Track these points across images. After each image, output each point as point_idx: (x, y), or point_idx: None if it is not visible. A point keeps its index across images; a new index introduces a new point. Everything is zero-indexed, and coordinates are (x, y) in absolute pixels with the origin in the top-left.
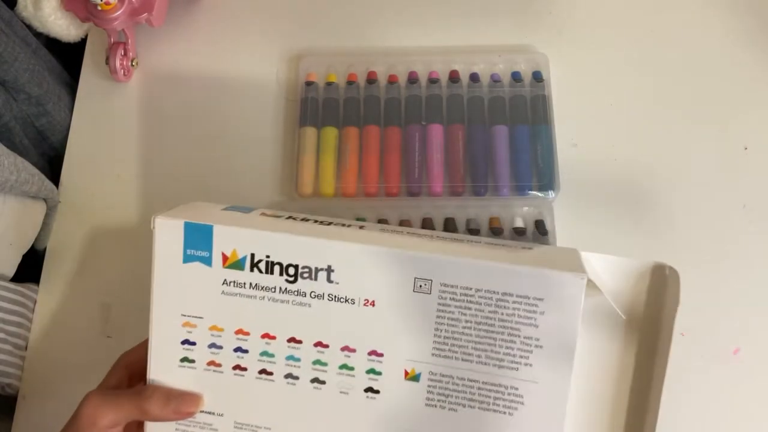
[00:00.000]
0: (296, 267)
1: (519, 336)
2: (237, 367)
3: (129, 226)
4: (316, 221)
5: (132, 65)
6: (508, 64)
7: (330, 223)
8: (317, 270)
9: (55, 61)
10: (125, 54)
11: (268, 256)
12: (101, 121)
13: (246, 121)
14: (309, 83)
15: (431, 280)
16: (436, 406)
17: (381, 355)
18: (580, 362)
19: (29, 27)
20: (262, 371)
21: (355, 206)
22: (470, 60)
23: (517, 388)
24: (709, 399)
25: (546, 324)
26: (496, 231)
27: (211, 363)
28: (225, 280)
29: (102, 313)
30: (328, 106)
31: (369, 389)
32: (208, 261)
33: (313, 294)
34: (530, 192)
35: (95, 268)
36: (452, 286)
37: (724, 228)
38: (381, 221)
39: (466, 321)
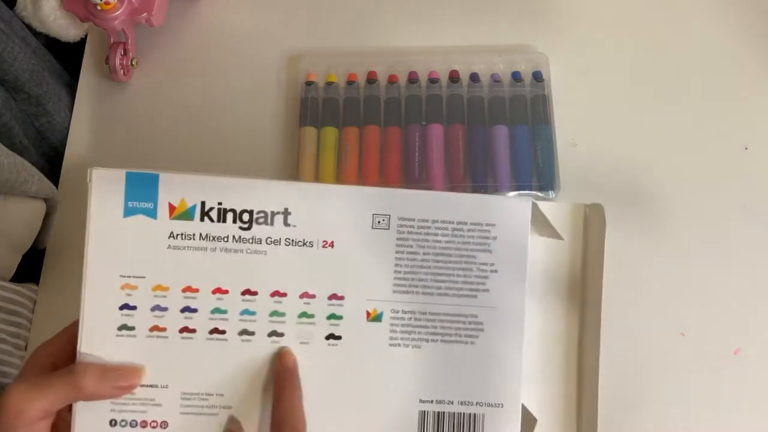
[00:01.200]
0: (251, 212)
1: (475, 263)
2: (184, 329)
3: None
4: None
5: (132, 65)
6: (508, 64)
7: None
8: (273, 214)
9: (55, 61)
10: (125, 54)
11: (220, 203)
12: (101, 121)
13: (246, 121)
14: (309, 83)
15: (389, 215)
16: (399, 344)
17: (342, 298)
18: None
19: (29, 27)
20: (214, 330)
21: None
22: (470, 60)
23: (476, 316)
24: (709, 399)
25: (499, 248)
26: None
27: (155, 328)
28: (172, 232)
29: None
30: (328, 106)
31: (330, 336)
32: (152, 213)
33: (269, 240)
34: (530, 192)
35: None
36: (410, 219)
37: (724, 228)
38: None
39: (425, 253)
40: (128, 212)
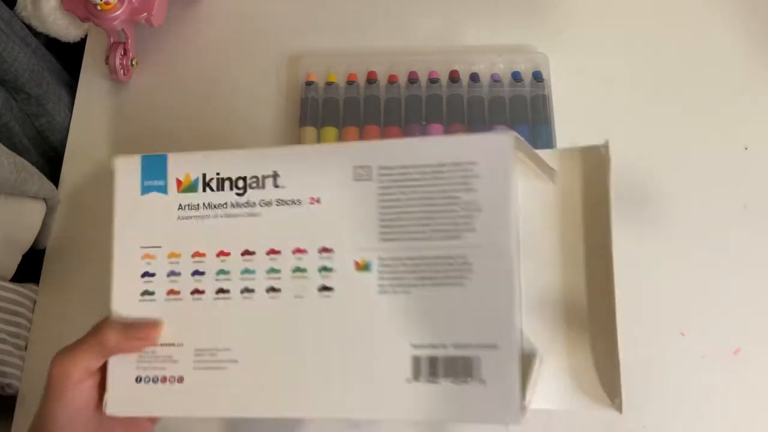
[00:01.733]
0: (244, 179)
1: (458, 203)
2: (195, 291)
3: None
4: None
5: (132, 65)
6: (508, 64)
7: None
8: (264, 177)
9: (55, 61)
10: (125, 54)
11: (218, 174)
12: (101, 121)
13: (246, 120)
14: (309, 83)
15: (370, 166)
16: (389, 291)
17: (331, 250)
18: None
19: (29, 27)
20: (219, 291)
21: None
22: (470, 60)
23: (464, 256)
24: (709, 399)
25: (482, 186)
26: None
27: (171, 292)
28: (180, 204)
29: (102, 313)
30: (328, 106)
31: (323, 288)
32: (163, 189)
33: (262, 202)
34: None
35: (95, 268)
36: (390, 168)
37: (724, 228)
38: None
39: (407, 199)
40: (144, 190)
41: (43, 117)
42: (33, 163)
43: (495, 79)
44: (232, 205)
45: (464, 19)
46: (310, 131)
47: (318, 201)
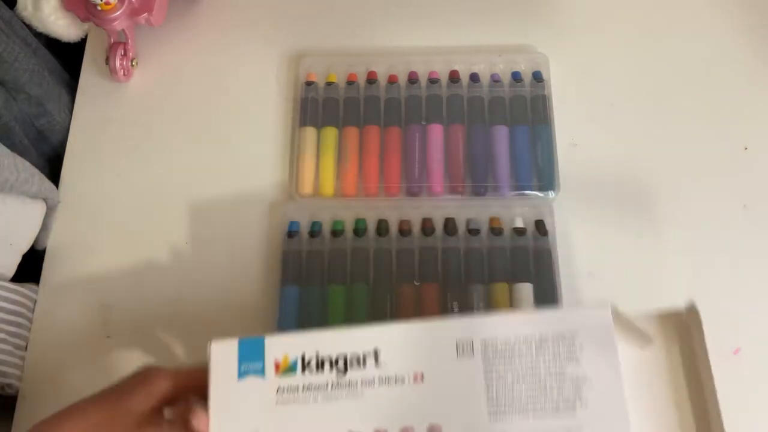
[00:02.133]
0: (345, 358)
1: (566, 376)
2: None
3: (129, 226)
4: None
5: (132, 65)
6: (508, 64)
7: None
8: (365, 356)
9: (55, 61)
10: (125, 54)
11: (317, 353)
12: (101, 121)
13: (246, 121)
14: (309, 83)
15: (472, 341)
16: None
17: (440, 429)
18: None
19: (29, 27)
20: None
21: (354, 206)
22: (470, 60)
23: (579, 429)
24: None
25: (587, 358)
26: (496, 231)
27: None
28: (279, 388)
29: (102, 313)
30: (328, 106)
31: None
32: (261, 372)
33: (363, 382)
34: (530, 192)
35: (95, 268)
36: (492, 342)
37: (724, 228)
38: (381, 221)
39: (513, 373)
40: (242, 375)
41: (43, 117)
42: (33, 163)
43: (495, 79)
44: (333, 387)
45: (464, 19)
46: (310, 131)
47: (421, 378)
